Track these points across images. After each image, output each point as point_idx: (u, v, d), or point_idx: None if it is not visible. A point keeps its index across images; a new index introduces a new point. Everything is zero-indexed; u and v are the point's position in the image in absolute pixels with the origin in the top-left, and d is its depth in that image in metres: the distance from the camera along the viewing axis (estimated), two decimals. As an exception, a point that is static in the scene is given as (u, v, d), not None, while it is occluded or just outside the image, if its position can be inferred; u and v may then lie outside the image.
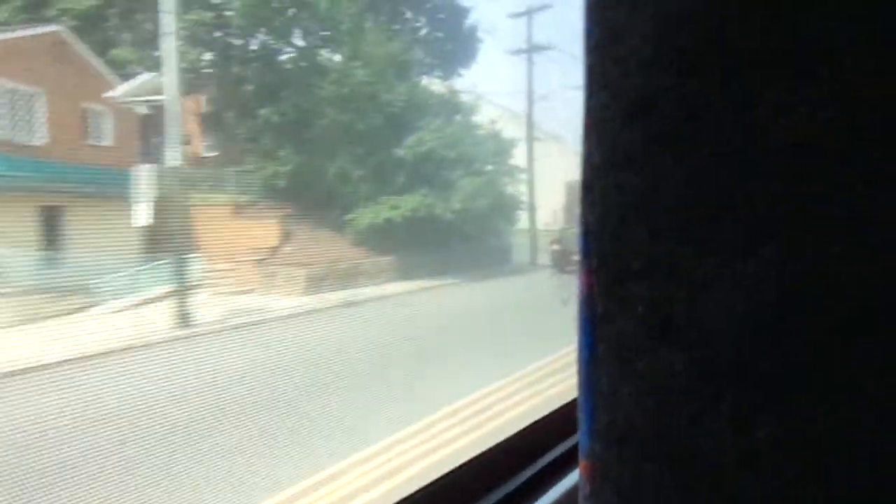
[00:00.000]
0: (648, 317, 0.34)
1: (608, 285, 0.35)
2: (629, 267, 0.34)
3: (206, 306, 4.13)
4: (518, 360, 3.89)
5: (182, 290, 3.92)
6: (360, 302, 4.86)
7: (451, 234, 5.82)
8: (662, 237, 0.33)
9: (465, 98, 6.89)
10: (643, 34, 0.34)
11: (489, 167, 6.50)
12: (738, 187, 0.32)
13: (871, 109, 0.30)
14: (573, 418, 0.38)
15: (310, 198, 5.86)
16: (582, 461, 0.36)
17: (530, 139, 7.59)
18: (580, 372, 0.36)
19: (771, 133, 0.31)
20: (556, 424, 1.28)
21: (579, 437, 0.37)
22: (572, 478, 1.09)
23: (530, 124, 7.63)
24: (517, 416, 2.94)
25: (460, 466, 1.08)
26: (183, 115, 5.52)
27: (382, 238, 5.65)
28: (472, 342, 4.14)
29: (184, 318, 3.74)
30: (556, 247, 6.81)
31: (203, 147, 7.00)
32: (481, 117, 7.00)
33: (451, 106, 6.52)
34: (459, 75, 7.45)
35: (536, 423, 1.27)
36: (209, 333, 3.59)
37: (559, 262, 6.47)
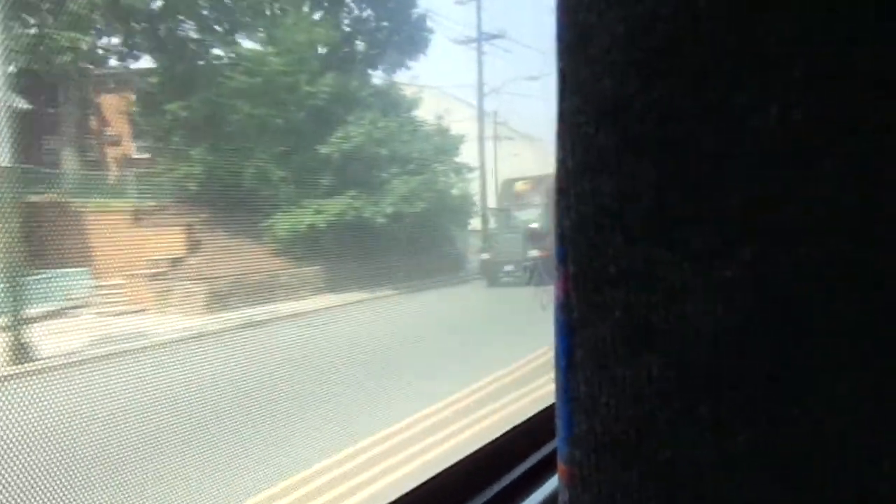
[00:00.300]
0: (625, 322, 0.34)
1: (585, 291, 0.35)
2: (606, 272, 0.35)
3: (73, 331, 3.55)
4: (436, 391, 3.31)
5: (20, 317, 3.29)
6: (267, 321, 4.28)
7: (390, 241, 5.22)
8: (638, 242, 0.34)
9: (408, 91, 6.32)
10: (613, 36, 0.34)
11: (434, 166, 5.90)
12: (713, 191, 0.32)
13: (842, 110, 0.30)
14: (552, 424, 0.38)
15: (225, 202, 5.26)
16: (561, 467, 0.36)
17: (482, 135, 7.04)
18: (557, 378, 0.37)
19: (743, 135, 0.32)
20: (535, 430, 1.26)
21: (558, 443, 0.37)
22: (552, 483, 1.07)
23: (481, 118, 7.07)
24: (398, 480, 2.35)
25: (439, 474, 1.07)
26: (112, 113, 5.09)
27: (307, 246, 5.05)
28: (382, 370, 3.56)
29: (20, 351, 3.11)
30: (484, 255, 6.31)
31: (135, 148, 6.42)
32: (427, 112, 6.43)
33: (387, 99, 5.92)
34: (407, 67, 6.90)
35: (515, 428, 1.26)
36: (47, 370, 2.97)
37: (490, 274, 5.99)
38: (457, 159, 6.56)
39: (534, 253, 6.27)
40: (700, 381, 0.33)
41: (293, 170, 5.17)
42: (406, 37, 6.92)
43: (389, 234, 5.17)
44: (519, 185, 7.07)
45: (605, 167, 0.34)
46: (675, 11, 0.32)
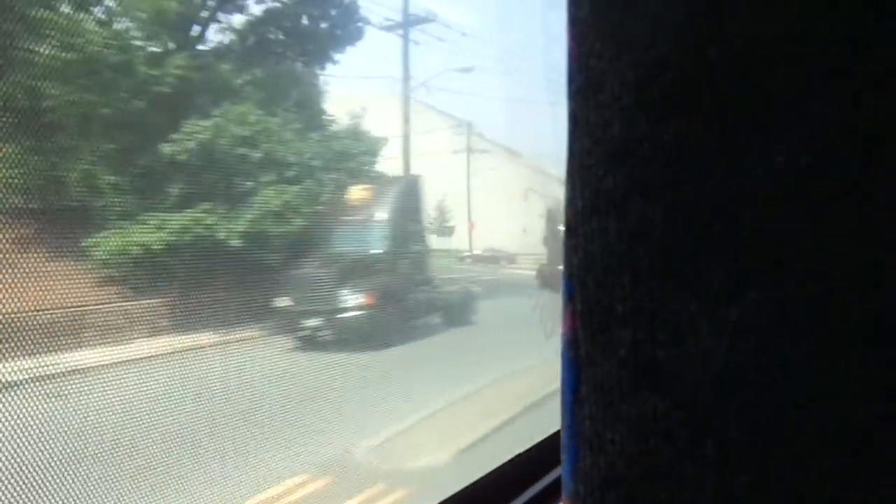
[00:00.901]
0: (631, 360, 0.35)
1: (591, 328, 0.36)
2: (613, 311, 0.35)
3: None
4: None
5: None
6: (49, 376, 3.16)
7: (248, 267, 4.07)
8: (646, 282, 0.34)
9: (331, 84, 5.21)
10: (623, 81, 0.35)
11: (326, 174, 4.74)
12: (720, 233, 0.33)
13: (846, 157, 0.31)
14: (554, 454, 0.39)
15: (46, 214, 4.15)
16: (565, 500, 0.38)
17: (407, 135, 5.83)
18: (563, 413, 0.38)
19: (751, 179, 0.32)
20: (538, 458, 1.38)
21: (563, 477, 0.38)
22: None
23: (406, 115, 5.88)
24: None
25: (446, 501, 1.18)
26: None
27: (146, 272, 3.93)
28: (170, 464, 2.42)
29: None
30: (283, 301, 3.92)
31: None
32: (339, 107, 5.31)
33: (274, 90, 4.79)
34: (334, 61, 5.81)
35: (519, 456, 1.39)
36: None
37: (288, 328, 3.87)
38: (375, 167, 5.43)
39: (352, 299, 4.21)
40: (705, 421, 0.33)
41: (130, 175, 4.05)
42: (334, 25, 5.85)
43: (248, 260, 4.00)
44: (355, 193, 4.76)
45: (613, 208, 0.35)
46: (685, 59, 0.33)
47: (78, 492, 2.30)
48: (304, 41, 5.60)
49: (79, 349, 3.51)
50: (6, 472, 2.12)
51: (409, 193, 5.35)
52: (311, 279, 4.07)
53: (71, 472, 2.32)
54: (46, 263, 4.07)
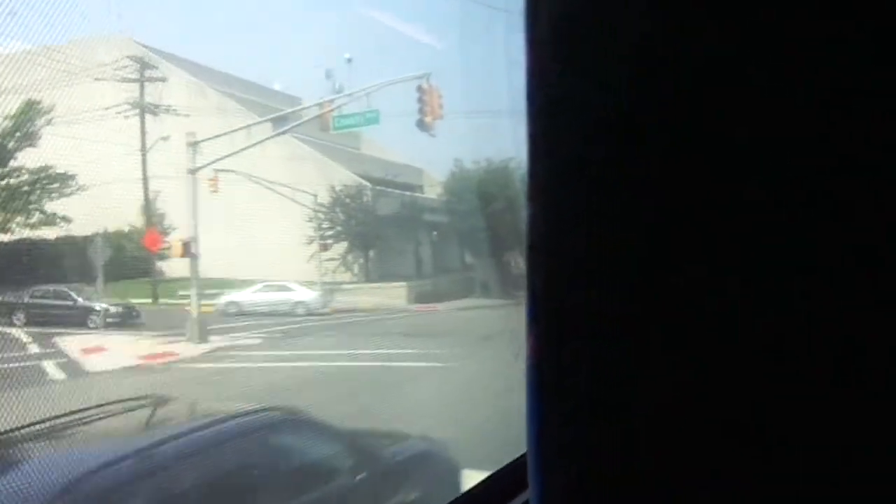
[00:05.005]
0: (596, 384, 0.35)
1: (557, 350, 0.36)
2: (578, 331, 0.35)
3: None
4: None
5: None
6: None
7: None
8: (611, 301, 0.35)
9: None
10: (582, 103, 0.36)
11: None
12: (682, 252, 0.34)
13: (810, 181, 0.32)
14: (522, 475, 0.39)
15: None
16: None
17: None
18: (529, 438, 0.37)
19: (708, 200, 0.33)
20: (507, 481, 1.34)
21: (531, 500, 0.38)
22: None
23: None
24: None
25: None
26: None
27: None
28: None
29: None
30: None
31: None
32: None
33: None
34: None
35: (488, 479, 1.42)
36: None
37: None
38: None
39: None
40: (671, 438, 0.33)
41: None
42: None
43: None
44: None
45: (575, 228, 0.35)
46: (642, 80, 0.34)
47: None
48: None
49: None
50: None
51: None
52: None
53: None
54: None
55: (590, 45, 0.36)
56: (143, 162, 7.25)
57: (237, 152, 7.47)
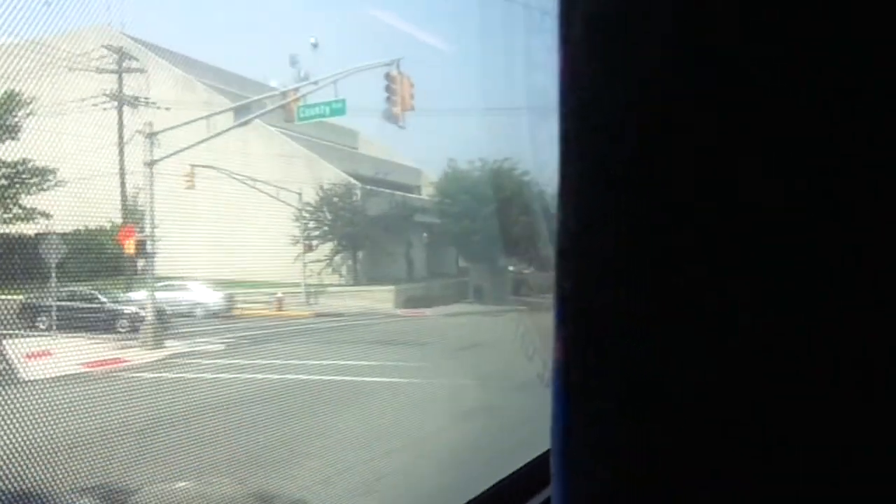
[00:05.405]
0: (624, 385, 0.35)
1: (584, 353, 0.36)
2: (607, 333, 0.35)
3: None
4: None
5: None
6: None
7: None
8: (636, 297, 0.34)
9: None
10: (613, 102, 0.36)
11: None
12: (714, 254, 0.33)
13: (834, 178, 0.33)
14: (544, 472, 0.39)
15: None
16: None
17: None
18: (554, 441, 0.38)
19: (741, 203, 0.33)
20: (528, 479, 1.37)
21: (553, 498, 0.38)
22: None
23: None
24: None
25: None
26: None
27: None
28: None
29: None
30: None
31: None
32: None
33: None
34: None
35: (509, 477, 1.43)
36: None
37: None
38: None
39: None
40: (700, 442, 0.33)
41: None
42: None
43: None
44: None
45: (607, 228, 0.36)
46: (672, 79, 0.34)
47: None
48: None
49: None
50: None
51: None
52: None
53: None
54: None
55: (621, 42, 0.36)
56: (121, 154, 7.02)
57: (194, 145, 7.15)
